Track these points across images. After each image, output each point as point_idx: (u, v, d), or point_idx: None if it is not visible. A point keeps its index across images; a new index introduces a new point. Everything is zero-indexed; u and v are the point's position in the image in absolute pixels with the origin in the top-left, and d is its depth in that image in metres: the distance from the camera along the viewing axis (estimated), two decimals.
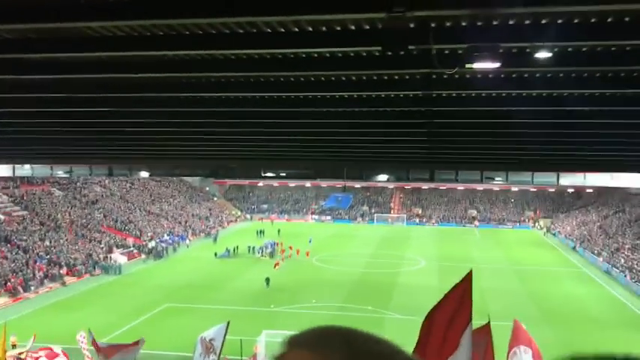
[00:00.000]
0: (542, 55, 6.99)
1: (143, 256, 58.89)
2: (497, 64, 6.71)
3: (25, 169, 34.24)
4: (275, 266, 48.77)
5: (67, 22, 6.31)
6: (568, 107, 10.18)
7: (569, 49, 7.44)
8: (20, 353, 28.05)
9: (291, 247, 57.83)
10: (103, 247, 56.84)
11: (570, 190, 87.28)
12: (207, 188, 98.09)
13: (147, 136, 15.25)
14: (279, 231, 73.50)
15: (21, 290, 43.00)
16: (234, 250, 60.02)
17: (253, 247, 60.15)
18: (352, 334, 0.82)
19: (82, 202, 68.94)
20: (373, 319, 36.35)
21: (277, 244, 61.74)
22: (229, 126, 13.20)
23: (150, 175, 50.03)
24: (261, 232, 72.51)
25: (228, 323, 17.97)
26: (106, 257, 54.51)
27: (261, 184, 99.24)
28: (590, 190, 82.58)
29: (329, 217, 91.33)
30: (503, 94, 9.98)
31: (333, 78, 9.33)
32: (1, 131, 14.74)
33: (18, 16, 6.11)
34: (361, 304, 39.15)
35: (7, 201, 60.68)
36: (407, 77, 9.03)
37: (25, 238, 52.94)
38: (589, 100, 9.75)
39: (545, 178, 32.69)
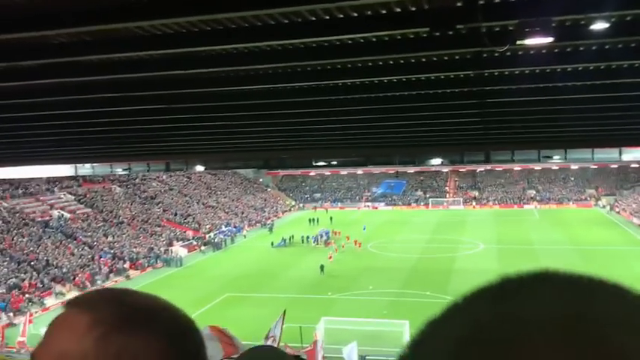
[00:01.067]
0: (599, 26, 6.71)
1: (203, 247, 60.30)
2: (550, 39, 6.48)
3: (86, 168, 35.61)
4: (329, 258, 48.53)
5: (119, 22, 6.49)
6: (628, 79, 9.76)
7: (628, 18, 7.11)
8: None
9: (348, 238, 57.47)
10: (163, 241, 58.53)
11: (634, 166, 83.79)
12: (261, 179, 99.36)
13: (201, 130, 15.55)
14: (331, 219, 73.85)
15: (88, 284, 44.84)
16: (289, 239, 60.69)
17: (307, 237, 60.53)
18: (124, 292, 0.89)
19: (141, 197, 71.15)
20: (432, 304, 36.05)
21: (334, 233, 61.77)
22: (280, 117, 13.29)
23: (205, 169, 51.24)
24: (314, 220, 73.04)
25: (285, 311, 18.26)
26: (167, 250, 56.11)
27: (313, 173, 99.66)
28: None
29: (382, 204, 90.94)
30: (558, 70, 9.64)
31: (380, 63, 9.24)
32: (65, 132, 15.32)
33: (73, 19, 6.32)
34: (419, 290, 38.92)
35: (72, 200, 63.27)
36: (457, 58, 8.85)
37: (89, 234, 55.12)
38: None
39: (606, 155, 31.55)
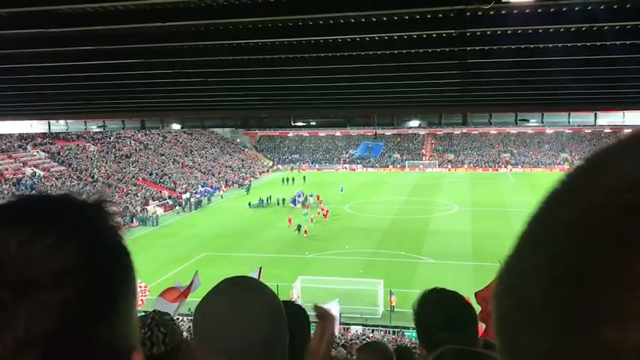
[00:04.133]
0: None
1: (178, 207, 60.03)
2: None
3: (59, 125, 34.83)
4: (304, 233, 45.39)
5: None
6: (608, 42, 9.77)
7: None
8: None
9: (322, 208, 54.54)
10: (139, 200, 58.13)
11: (607, 131, 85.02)
12: (238, 140, 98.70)
13: (178, 87, 15.27)
14: (304, 178, 74.25)
15: None
16: (267, 199, 60.72)
17: (283, 199, 60.30)
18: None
19: (116, 156, 70.23)
20: (406, 263, 36.70)
21: (317, 198, 60.32)
22: (259, 74, 13.08)
23: (181, 127, 50.68)
24: (288, 180, 73.42)
25: (260, 269, 18.43)
26: (143, 209, 55.78)
27: (291, 134, 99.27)
28: (629, 130, 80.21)
29: (360, 166, 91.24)
30: (540, 31, 9.60)
31: (363, 20, 9.09)
32: (38, 87, 14.91)
33: None
34: (394, 250, 39.48)
35: (45, 157, 62.19)
36: (440, 16, 8.74)
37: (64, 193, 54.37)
38: (631, 33, 9.32)
39: (582, 119, 31.78)
